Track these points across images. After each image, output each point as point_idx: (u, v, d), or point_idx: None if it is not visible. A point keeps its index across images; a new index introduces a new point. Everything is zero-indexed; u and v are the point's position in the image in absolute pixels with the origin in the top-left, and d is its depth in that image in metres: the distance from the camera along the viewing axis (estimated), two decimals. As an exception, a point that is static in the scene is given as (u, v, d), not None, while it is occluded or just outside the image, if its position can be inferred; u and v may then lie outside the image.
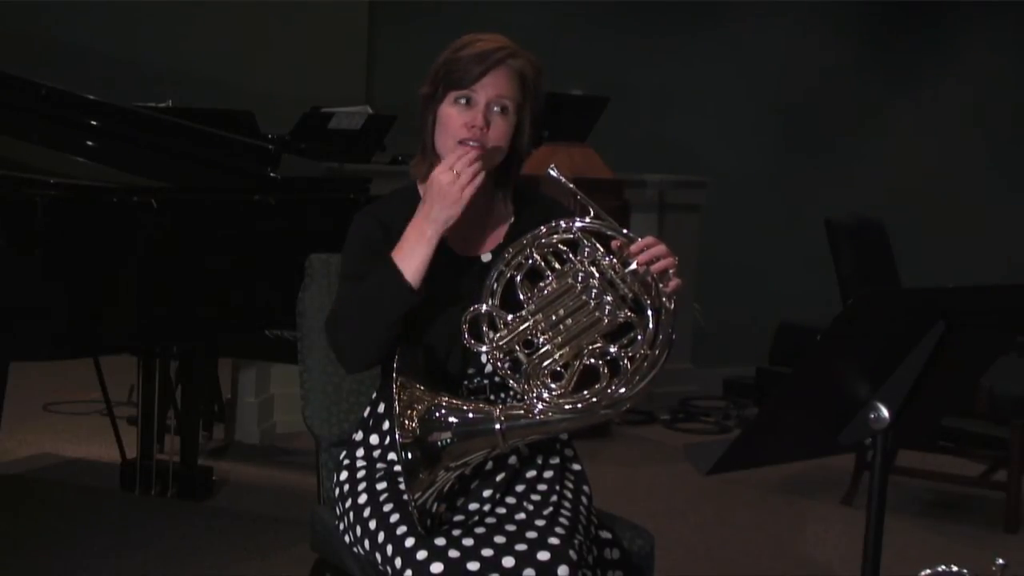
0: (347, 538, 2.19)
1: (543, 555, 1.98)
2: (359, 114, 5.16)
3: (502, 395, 2.20)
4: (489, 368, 2.18)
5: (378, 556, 2.07)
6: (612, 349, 2.06)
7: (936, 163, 7.62)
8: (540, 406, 2.03)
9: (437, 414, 2.03)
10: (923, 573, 2.07)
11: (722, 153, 7.18)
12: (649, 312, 2.06)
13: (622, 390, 2.02)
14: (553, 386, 2.05)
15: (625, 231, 2.10)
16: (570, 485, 2.21)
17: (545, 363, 2.07)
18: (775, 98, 7.43)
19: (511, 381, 2.08)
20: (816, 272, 6.12)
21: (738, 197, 7.04)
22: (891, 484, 1.95)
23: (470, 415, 2.04)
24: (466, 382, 2.20)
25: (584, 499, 2.21)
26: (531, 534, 2.03)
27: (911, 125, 7.61)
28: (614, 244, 2.10)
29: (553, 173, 2.15)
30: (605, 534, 2.22)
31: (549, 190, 2.40)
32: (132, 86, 5.69)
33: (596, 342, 2.06)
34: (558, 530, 2.05)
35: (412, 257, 2.12)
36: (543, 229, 2.12)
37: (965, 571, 2.07)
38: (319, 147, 5.00)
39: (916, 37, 7.67)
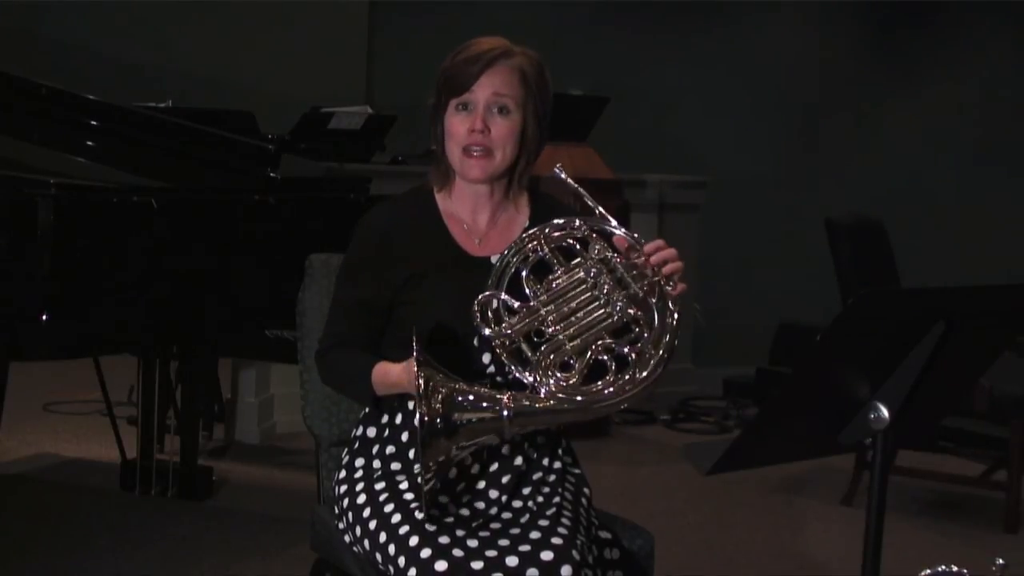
0: (347, 537, 2.19)
1: (547, 555, 1.99)
2: (359, 114, 5.15)
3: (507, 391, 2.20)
4: (492, 369, 2.19)
5: (379, 555, 2.07)
6: (617, 346, 2.06)
7: (936, 163, 7.61)
8: (544, 391, 2.04)
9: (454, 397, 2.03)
10: (923, 573, 2.07)
11: (722, 153, 7.17)
12: (655, 312, 2.07)
13: (627, 386, 2.02)
14: (560, 376, 2.05)
15: (632, 234, 2.10)
16: (570, 487, 2.22)
17: (553, 354, 2.07)
18: (775, 98, 7.42)
19: (516, 372, 2.07)
20: (816, 272, 6.12)
21: (738, 197, 7.03)
22: (891, 484, 1.95)
23: (482, 403, 2.03)
24: (471, 379, 2.20)
25: (584, 500, 2.22)
26: (534, 534, 2.04)
27: (911, 125, 7.60)
28: (621, 245, 2.10)
29: (560, 174, 2.15)
30: (605, 534, 2.22)
31: (553, 190, 2.39)
32: (132, 86, 5.69)
33: (603, 338, 2.07)
34: (561, 530, 2.05)
35: (386, 388, 2.16)
36: (553, 224, 2.12)
37: (965, 571, 2.07)
38: (319, 147, 4.99)
39: (916, 37, 7.66)
